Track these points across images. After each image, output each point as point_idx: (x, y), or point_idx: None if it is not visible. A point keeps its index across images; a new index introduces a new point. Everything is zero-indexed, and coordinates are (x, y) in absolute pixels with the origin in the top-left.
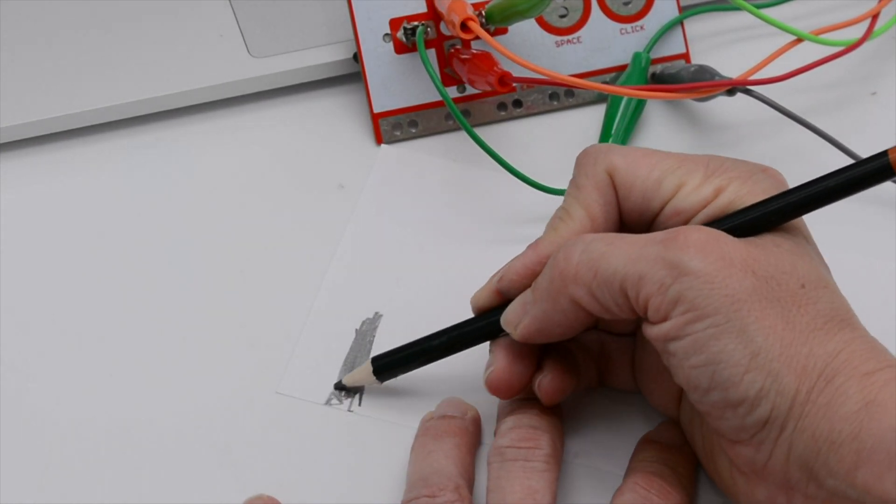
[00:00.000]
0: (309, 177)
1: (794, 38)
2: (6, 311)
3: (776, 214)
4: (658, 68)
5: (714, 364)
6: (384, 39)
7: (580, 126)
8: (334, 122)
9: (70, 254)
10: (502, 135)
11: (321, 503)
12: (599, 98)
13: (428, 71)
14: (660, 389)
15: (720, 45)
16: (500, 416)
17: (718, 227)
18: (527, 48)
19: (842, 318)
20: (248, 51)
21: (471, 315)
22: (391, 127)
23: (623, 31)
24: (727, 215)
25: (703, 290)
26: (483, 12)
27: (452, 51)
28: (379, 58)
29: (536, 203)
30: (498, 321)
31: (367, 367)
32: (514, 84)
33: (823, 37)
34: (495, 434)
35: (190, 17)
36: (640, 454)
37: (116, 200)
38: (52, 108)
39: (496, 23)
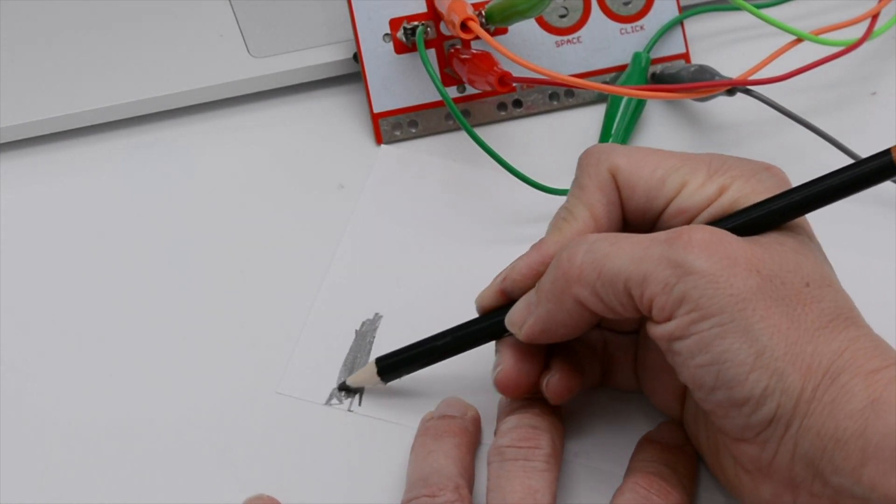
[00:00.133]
0: (309, 177)
1: (794, 38)
2: (6, 311)
3: (780, 213)
4: (658, 68)
5: (719, 363)
6: (384, 39)
7: (580, 126)
8: (334, 122)
9: (70, 254)
10: (502, 135)
11: (321, 503)
12: (599, 98)
13: (428, 71)
14: (662, 388)
15: (720, 45)
16: (500, 416)
17: (722, 226)
18: (527, 48)
19: (846, 316)
20: (248, 51)
21: (472, 315)
22: (391, 127)
23: (623, 31)
24: (731, 214)
25: (708, 290)
26: (483, 12)
27: (452, 51)
28: (379, 58)
29: (536, 203)
30: (503, 321)
31: (370, 368)
32: (514, 84)
33: (823, 37)
34: (495, 434)
35: (190, 17)
36: (640, 454)
37: (116, 200)
38: (52, 108)
39: (496, 23)
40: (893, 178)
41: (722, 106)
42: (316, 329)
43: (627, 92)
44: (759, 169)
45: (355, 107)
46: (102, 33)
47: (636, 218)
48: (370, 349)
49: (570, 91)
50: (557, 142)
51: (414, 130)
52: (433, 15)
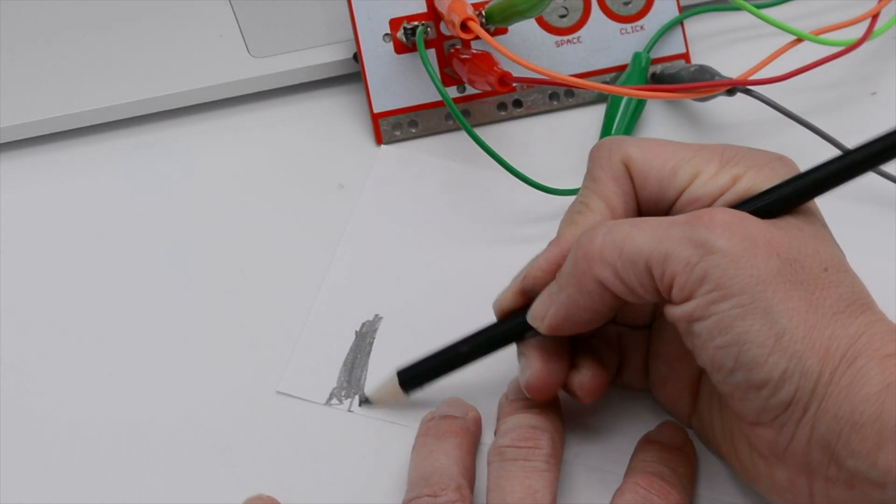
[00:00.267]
0: (309, 177)
1: (794, 38)
2: (6, 311)
3: (799, 193)
4: (658, 68)
5: (739, 344)
6: (384, 39)
7: (580, 126)
8: (334, 122)
9: (70, 254)
10: (502, 135)
11: (321, 503)
12: (599, 98)
13: (428, 71)
14: (674, 380)
15: (720, 45)
16: (501, 416)
17: (741, 210)
18: (527, 48)
19: (862, 301)
20: (248, 51)
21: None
22: (391, 127)
23: (623, 31)
24: (749, 198)
25: (729, 270)
26: (483, 12)
27: (452, 51)
28: (379, 58)
29: (536, 203)
30: (523, 322)
31: (392, 381)
32: (514, 84)
33: (823, 37)
34: (495, 434)
35: (190, 17)
36: (640, 454)
37: (116, 200)
38: (52, 108)
39: (496, 23)
40: None
41: (722, 106)
42: (316, 329)
43: (627, 92)
44: (771, 159)
45: (355, 107)
46: (102, 33)
47: (649, 208)
48: (370, 350)
49: (570, 91)
50: (557, 142)
51: (414, 130)
52: (433, 15)
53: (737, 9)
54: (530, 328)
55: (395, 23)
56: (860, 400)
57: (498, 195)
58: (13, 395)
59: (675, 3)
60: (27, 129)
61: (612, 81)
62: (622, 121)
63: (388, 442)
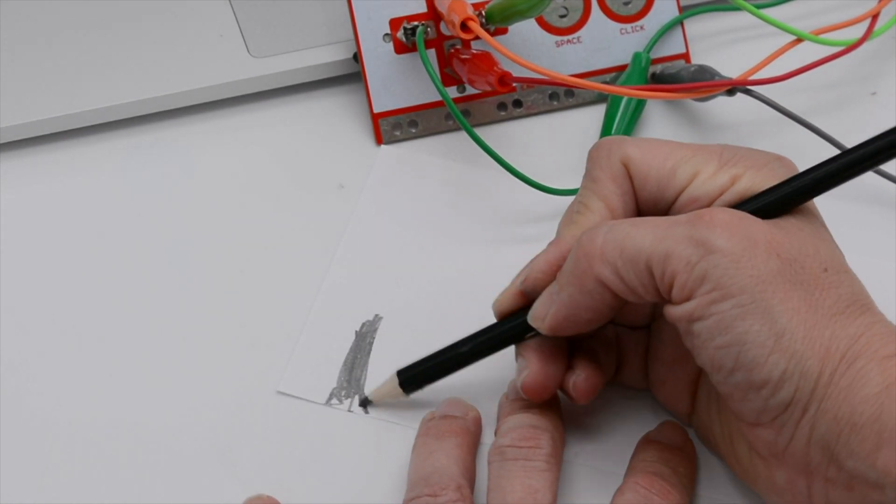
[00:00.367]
0: (309, 177)
1: (794, 38)
2: (6, 311)
3: (800, 193)
4: (658, 68)
5: (739, 344)
6: (384, 39)
7: (580, 126)
8: (334, 122)
9: (70, 254)
10: (502, 135)
11: (321, 503)
12: (599, 98)
13: (428, 71)
14: (673, 380)
15: (720, 45)
16: (501, 416)
17: (741, 210)
18: (527, 48)
19: (862, 302)
20: (248, 51)
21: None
22: (391, 127)
23: (623, 31)
24: (749, 198)
25: (730, 269)
26: (483, 12)
27: (452, 51)
28: (379, 58)
29: (536, 203)
30: (523, 323)
31: (392, 381)
32: (514, 84)
33: (823, 37)
34: (496, 433)
35: (190, 17)
36: (640, 454)
37: (116, 200)
38: (52, 108)
39: (496, 23)
40: None
41: (722, 106)
42: (316, 329)
43: (627, 92)
44: (770, 159)
45: (355, 107)
46: (102, 33)
47: (648, 208)
48: (370, 350)
49: (570, 91)
50: (557, 142)
51: (414, 130)
52: (433, 15)
53: (737, 9)
54: (530, 329)
55: (395, 23)
56: (860, 401)
57: (498, 195)
58: (13, 395)
59: (675, 3)
60: (27, 129)
61: (612, 81)
62: (622, 121)
63: (388, 442)
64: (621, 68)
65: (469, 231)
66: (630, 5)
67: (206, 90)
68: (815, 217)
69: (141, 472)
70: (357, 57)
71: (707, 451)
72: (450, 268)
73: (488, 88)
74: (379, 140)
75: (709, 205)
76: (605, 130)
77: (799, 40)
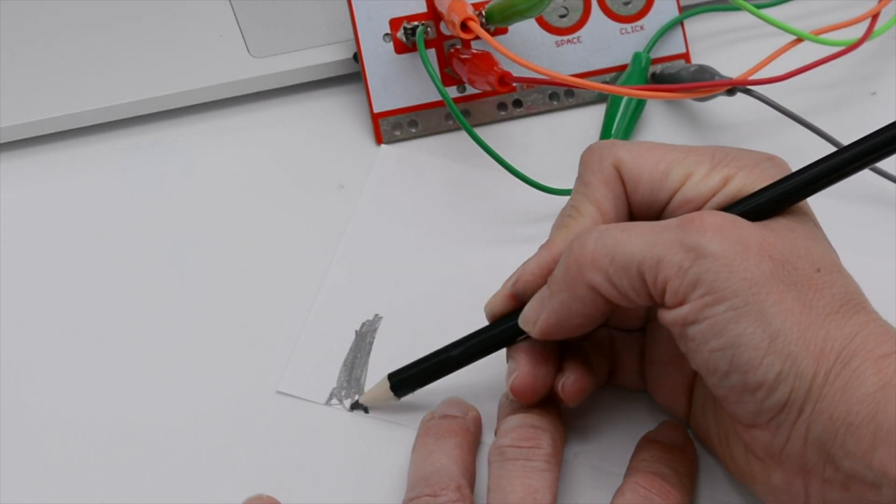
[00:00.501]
0: (309, 177)
1: (794, 38)
2: (6, 311)
3: (790, 194)
4: (658, 68)
5: (733, 347)
6: (384, 39)
7: (580, 126)
8: (334, 122)
9: (70, 254)
10: (502, 135)
11: (321, 503)
12: (599, 98)
13: (428, 71)
14: (669, 383)
15: (720, 45)
16: (501, 416)
17: (732, 212)
18: (527, 48)
19: (856, 301)
20: (248, 51)
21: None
22: (391, 127)
23: (623, 31)
24: (740, 200)
25: (722, 273)
26: (483, 12)
27: (452, 51)
28: (379, 58)
29: (536, 203)
30: (515, 326)
31: (384, 384)
32: (514, 84)
33: (823, 37)
34: (496, 433)
35: (190, 17)
36: (640, 454)
37: (116, 200)
38: (52, 108)
39: (496, 23)
40: None
41: (722, 106)
42: (316, 329)
43: (627, 92)
44: (762, 159)
45: (355, 107)
46: (102, 33)
47: (641, 211)
48: (370, 349)
49: (570, 91)
50: (557, 142)
51: (414, 130)
52: (433, 15)
53: (737, 9)
54: (521, 332)
55: (395, 23)
56: (855, 401)
57: (498, 195)
58: (13, 395)
59: (675, 3)
60: (27, 129)
61: (612, 81)
62: (622, 121)
63: (388, 442)
64: (621, 68)
65: (469, 231)
66: (630, 5)
67: (206, 90)
68: (807, 217)
69: (141, 471)
70: (357, 57)
71: (707, 451)
72: (450, 268)
73: (488, 88)
74: (379, 140)
75: (701, 206)
76: (605, 130)
77: (799, 40)
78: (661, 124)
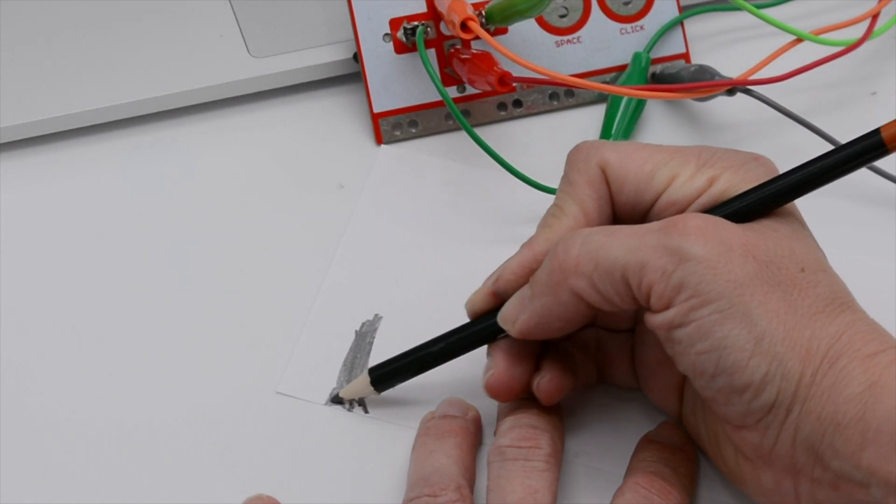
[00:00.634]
0: (309, 177)
1: (794, 38)
2: (6, 311)
3: (772, 198)
4: (658, 68)
5: (719, 349)
6: (384, 39)
7: (580, 126)
8: (334, 122)
9: (70, 254)
10: (502, 135)
11: (321, 503)
12: (599, 98)
13: (428, 71)
14: (660, 384)
15: (720, 45)
16: (501, 416)
17: (715, 214)
18: (527, 48)
19: (842, 300)
20: (248, 51)
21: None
22: (391, 127)
23: (623, 31)
24: (723, 202)
25: (706, 276)
26: (483, 12)
27: (452, 51)
28: (379, 58)
29: (536, 203)
30: (495, 324)
31: (364, 379)
32: (514, 84)
33: (823, 37)
34: (495, 434)
35: (190, 17)
36: (640, 454)
37: (116, 200)
38: (52, 108)
39: (496, 23)
40: (884, 156)
41: (722, 106)
42: (316, 329)
43: (627, 92)
44: (747, 159)
45: (355, 107)
46: (102, 33)
47: (626, 213)
48: (370, 349)
49: (570, 91)
50: (557, 142)
51: (414, 130)
52: (433, 15)
53: (737, 9)
54: (501, 330)
55: (395, 23)
56: (843, 401)
57: (498, 195)
58: (13, 395)
59: (675, 3)
60: (27, 129)
61: (612, 81)
62: (622, 121)
63: (388, 442)
64: (621, 68)
65: (469, 231)
66: (630, 5)
67: (206, 90)
68: (792, 217)
69: (141, 471)
70: (357, 57)
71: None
72: (450, 268)
73: (488, 88)
74: (379, 140)
75: (686, 208)
76: (605, 130)
77: (799, 40)
78: (661, 124)
